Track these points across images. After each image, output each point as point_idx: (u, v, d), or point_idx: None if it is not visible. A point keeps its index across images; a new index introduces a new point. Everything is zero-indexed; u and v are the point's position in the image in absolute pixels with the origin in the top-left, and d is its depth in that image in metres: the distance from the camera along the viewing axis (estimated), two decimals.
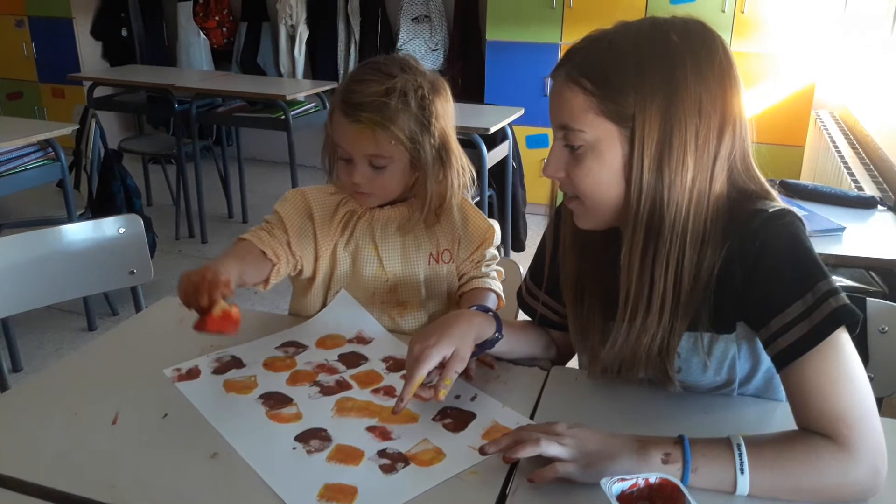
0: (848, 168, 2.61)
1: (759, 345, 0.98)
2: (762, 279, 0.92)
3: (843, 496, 0.85)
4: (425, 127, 1.23)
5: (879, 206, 2.16)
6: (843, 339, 0.89)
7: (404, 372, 1.14)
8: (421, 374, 0.99)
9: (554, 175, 1.00)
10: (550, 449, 0.87)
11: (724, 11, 3.83)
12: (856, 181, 2.46)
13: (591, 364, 1.11)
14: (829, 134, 3.14)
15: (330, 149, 1.30)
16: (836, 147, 2.91)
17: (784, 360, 0.91)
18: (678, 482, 0.80)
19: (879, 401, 1.28)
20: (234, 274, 1.11)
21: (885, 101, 2.79)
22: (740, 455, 0.86)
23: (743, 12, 3.83)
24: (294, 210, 1.32)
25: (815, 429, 0.88)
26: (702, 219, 0.93)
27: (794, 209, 0.95)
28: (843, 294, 0.89)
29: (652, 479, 0.81)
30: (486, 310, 1.13)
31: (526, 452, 0.88)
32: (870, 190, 2.35)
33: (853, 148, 2.89)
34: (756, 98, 3.84)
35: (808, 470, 0.85)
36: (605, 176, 0.95)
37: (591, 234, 1.04)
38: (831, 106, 3.79)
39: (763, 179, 0.99)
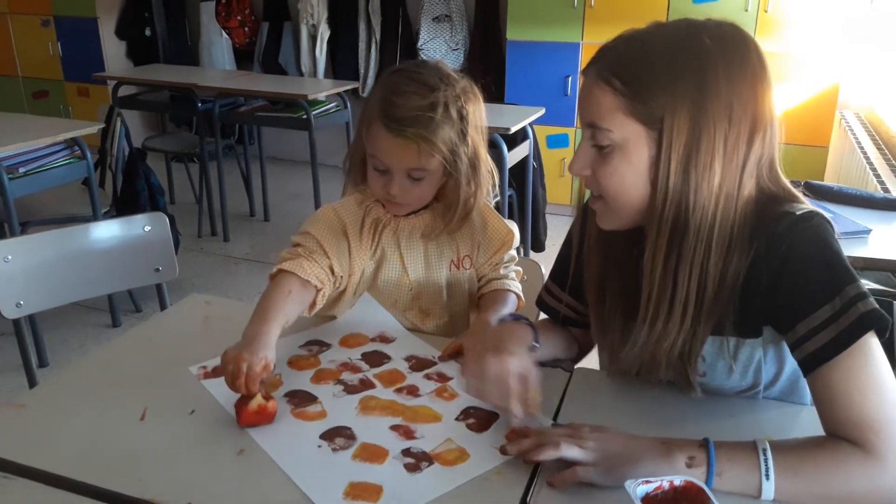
0: (874, 169, 2.57)
1: (786, 348, 0.97)
2: (789, 283, 0.91)
3: (869, 503, 0.85)
4: (462, 137, 1.22)
5: None
6: (871, 344, 0.87)
7: (427, 371, 1.15)
8: (518, 390, 0.97)
9: (580, 172, 0.99)
10: (571, 452, 0.87)
11: (746, 10, 3.79)
12: (882, 182, 2.43)
13: (610, 363, 1.11)
14: (854, 134, 3.10)
15: (359, 157, 1.28)
16: (861, 148, 2.88)
17: (811, 364, 0.90)
18: (703, 485, 0.80)
19: None
20: (272, 344, 1.06)
21: None
22: (766, 460, 0.85)
23: (766, 11, 3.80)
24: (329, 230, 1.27)
25: (842, 435, 0.87)
26: (728, 224, 0.93)
27: (822, 211, 0.95)
28: (872, 298, 0.88)
29: (677, 482, 0.81)
30: (518, 318, 1.13)
31: (546, 455, 0.88)
32: None
33: (879, 149, 2.85)
34: (779, 98, 3.80)
35: (835, 476, 0.85)
36: (630, 176, 0.94)
37: (616, 233, 1.04)
38: (856, 106, 3.74)
39: (787, 182, 0.98)
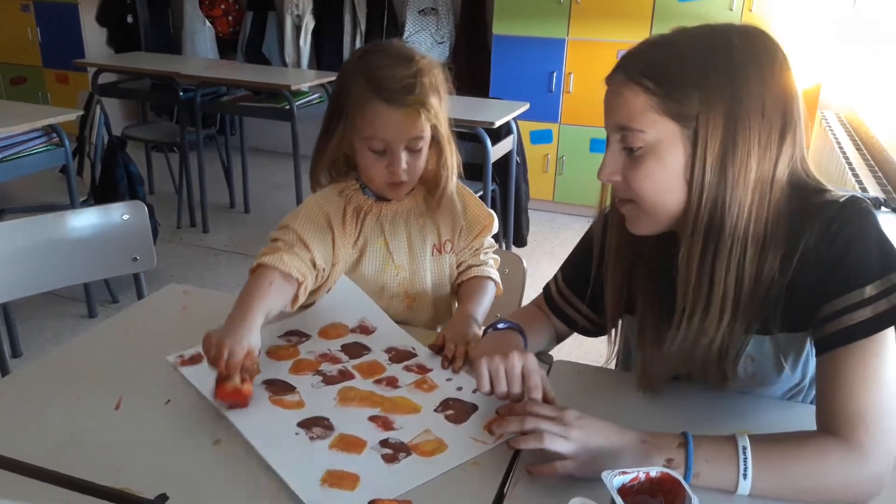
0: (853, 169, 2.60)
1: None
2: (836, 259, 0.89)
3: (845, 497, 0.86)
4: (441, 102, 1.24)
5: (884, 208, 2.16)
6: (889, 339, 0.88)
7: (407, 363, 1.15)
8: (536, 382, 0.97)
9: (609, 178, 0.97)
10: (554, 445, 0.87)
11: (731, 10, 3.82)
12: (860, 182, 2.46)
13: (641, 377, 1.08)
14: (834, 135, 3.14)
15: (331, 157, 1.29)
16: (840, 148, 2.91)
17: (832, 343, 0.89)
18: (679, 477, 0.81)
19: None
20: (255, 331, 1.06)
21: (892, 102, 2.79)
22: (745, 459, 0.86)
23: (751, 10, 3.82)
24: (311, 223, 1.27)
25: (833, 425, 0.88)
26: (763, 220, 0.92)
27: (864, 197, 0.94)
28: None
29: (653, 473, 0.82)
30: (509, 325, 1.13)
31: (529, 446, 0.88)
32: (874, 192, 2.34)
33: (858, 149, 2.89)
34: None
35: (814, 472, 0.86)
36: (665, 177, 0.93)
37: (642, 239, 1.02)
38: (837, 107, 3.78)
39: (817, 176, 0.97)
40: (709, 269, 0.93)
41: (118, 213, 1.68)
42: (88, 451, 0.92)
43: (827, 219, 0.90)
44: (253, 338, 1.05)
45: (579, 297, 1.19)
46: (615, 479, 0.79)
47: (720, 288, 0.93)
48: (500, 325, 1.13)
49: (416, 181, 1.29)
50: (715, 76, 0.89)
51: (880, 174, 2.57)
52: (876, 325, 0.87)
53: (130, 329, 1.26)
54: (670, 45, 0.93)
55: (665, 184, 0.93)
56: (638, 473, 0.81)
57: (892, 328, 0.87)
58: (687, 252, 0.94)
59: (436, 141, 1.27)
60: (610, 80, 0.95)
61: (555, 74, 4.21)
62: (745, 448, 0.87)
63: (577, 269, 1.19)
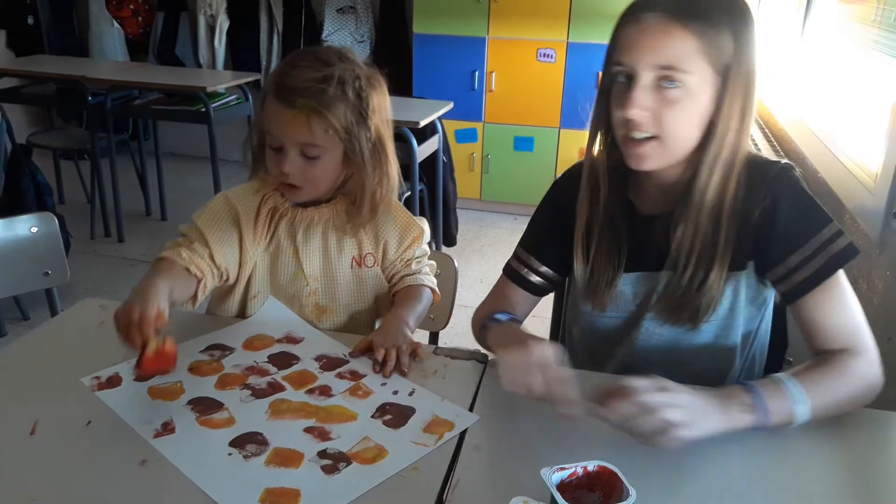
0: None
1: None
2: (782, 220, 1.04)
3: (868, 397, 1.00)
4: (362, 119, 1.20)
5: None
6: (841, 272, 1.04)
7: (339, 370, 1.13)
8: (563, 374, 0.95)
9: (640, 113, 1.00)
10: (674, 415, 0.87)
11: None
12: None
13: (593, 296, 1.17)
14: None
15: (257, 139, 1.26)
16: (752, 140, 3.03)
17: (802, 290, 1.04)
18: (616, 469, 0.82)
19: None
20: (163, 296, 1.06)
21: (795, 97, 2.94)
22: (798, 392, 0.95)
23: None
24: (214, 219, 1.25)
25: (836, 345, 1.02)
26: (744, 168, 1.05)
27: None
28: (846, 234, 1.04)
29: (590, 468, 0.83)
30: (508, 317, 1.18)
31: (651, 425, 0.87)
32: None
33: (768, 140, 3.02)
34: None
35: (848, 382, 0.99)
36: (694, 118, 1.01)
37: (602, 182, 1.12)
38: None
39: None
40: (718, 205, 1.05)
41: (26, 226, 1.59)
42: (1, 480, 0.86)
43: (770, 178, 1.05)
44: (162, 302, 1.03)
45: (540, 259, 1.26)
46: (554, 476, 0.80)
47: (723, 232, 1.05)
48: (501, 317, 1.17)
49: (317, 192, 1.26)
50: (743, 26, 0.98)
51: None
52: (836, 265, 1.03)
53: (44, 347, 1.19)
54: None
55: (692, 124, 1.02)
56: (576, 468, 0.82)
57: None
58: (702, 191, 1.04)
59: (349, 158, 1.23)
60: (644, 14, 0.99)
61: (477, 73, 4.23)
62: (793, 384, 0.95)
63: (538, 233, 1.27)
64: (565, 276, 1.29)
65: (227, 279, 1.28)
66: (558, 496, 0.76)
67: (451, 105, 3.45)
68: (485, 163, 4.41)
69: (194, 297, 1.21)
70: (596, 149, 1.13)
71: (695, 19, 0.96)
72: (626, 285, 1.17)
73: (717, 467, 0.91)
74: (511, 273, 1.29)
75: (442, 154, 3.50)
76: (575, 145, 4.25)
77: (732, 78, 0.99)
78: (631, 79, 1.00)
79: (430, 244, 1.43)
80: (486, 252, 3.92)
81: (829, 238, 1.03)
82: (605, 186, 1.13)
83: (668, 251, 1.09)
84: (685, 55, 0.96)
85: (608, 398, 0.90)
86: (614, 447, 0.90)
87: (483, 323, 1.20)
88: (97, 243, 3.88)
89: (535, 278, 1.27)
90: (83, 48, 5.17)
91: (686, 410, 0.89)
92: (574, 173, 1.21)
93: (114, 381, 1.07)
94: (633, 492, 0.78)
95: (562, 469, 0.81)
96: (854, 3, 2.37)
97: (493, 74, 4.21)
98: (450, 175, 3.72)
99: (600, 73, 1.09)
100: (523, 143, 4.33)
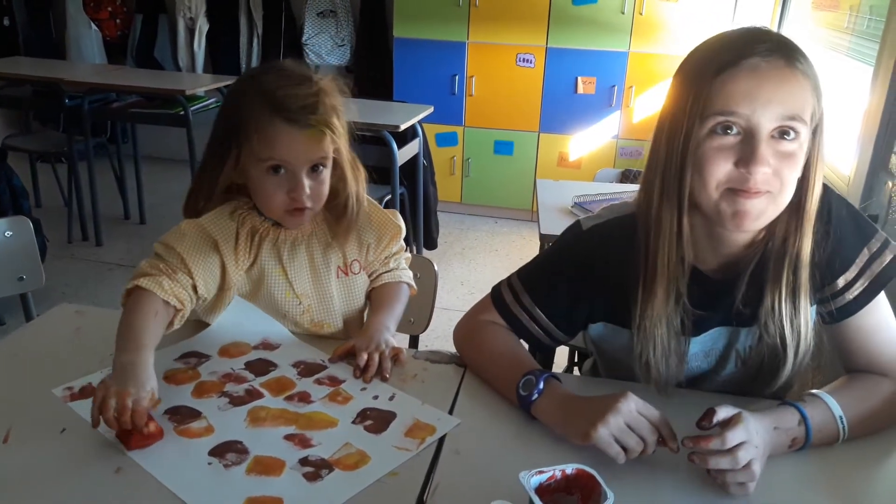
0: None
1: None
2: (829, 247, 1.01)
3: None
4: (342, 124, 1.21)
5: None
6: (882, 294, 1.04)
7: (318, 376, 1.12)
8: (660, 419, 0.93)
9: (767, 171, 0.91)
10: (757, 469, 0.88)
11: (623, 13, 3.95)
12: None
13: (657, 383, 1.06)
14: None
15: (222, 184, 1.21)
16: None
17: (848, 311, 1.04)
18: (593, 472, 0.83)
19: None
20: (152, 374, 0.99)
21: None
22: (841, 418, 0.97)
23: (641, 14, 3.97)
24: (195, 248, 1.18)
25: (875, 367, 1.04)
26: None
27: None
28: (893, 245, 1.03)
29: (569, 471, 0.83)
30: (547, 374, 1.03)
31: (736, 467, 0.87)
32: None
33: None
34: (656, 96, 4.00)
35: (887, 409, 1.01)
36: (800, 170, 0.94)
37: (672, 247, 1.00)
38: None
39: None
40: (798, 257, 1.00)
41: (0, 230, 1.57)
42: None
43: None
44: (153, 382, 0.98)
45: (547, 313, 1.13)
46: (532, 479, 0.80)
47: (804, 273, 1.00)
48: (537, 380, 1.01)
49: (320, 207, 1.23)
50: (817, 78, 0.94)
51: None
52: (880, 285, 1.03)
53: (19, 354, 1.17)
54: (779, 35, 0.95)
55: (797, 178, 0.94)
56: (554, 472, 0.83)
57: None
58: (796, 243, 0.98)
59: (337, 164, 1.23)
60: (758, 60, 0.89)
61: (457, 77, 4.24)
62: (840, 417, 0.97)
63: (551, 284, 1.13)
64: (570, 339, 1.18)
65: (205, 305, 1.25)
66: (536, 499, 0.77)
67: (431, 109, 3.46)
68: (465, 166, 4.42)
69: (170, 324, 1.15)
70: (663, 209, 0.98)
71: (803, 62, 0.90)
72: (695, 347, 1.09)
73: (692, 470, 0.92)
74: (507, 315, 1.16)
75: (423, 158, 3.50)
76: (554, 149, 4.28)
77: (820, 126, 0.94)
78: (746, 132, 0.90)
79: (410, 248, 1.42)
80: (466, 255, 3.92)
81: (874, 254, 1.02)
82: (675, 252, 0.99)
83: (735, 307, 1.03)
84: (804, 103, 0.90)
85: (700, 443, 0.88)
86: (592, 451, 0.91)
87: (514, 382, 1.04)
88: (75, 247, 3.83)
89: (535, 329, 1.14)
90: (60, 50, 5.11)
91: (763, 455, 0.90)
92: (608, 233, 1.08)
93: (86, 392, 1.04)
94: (610, 495, 0.79)
95: (540, 472, 0.82)
96: (827, 11, 2.41)
97: (474, 79, 4.22)
98: (431, 178, 3.73)
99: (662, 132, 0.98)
100: (503, 147, 4.35)
